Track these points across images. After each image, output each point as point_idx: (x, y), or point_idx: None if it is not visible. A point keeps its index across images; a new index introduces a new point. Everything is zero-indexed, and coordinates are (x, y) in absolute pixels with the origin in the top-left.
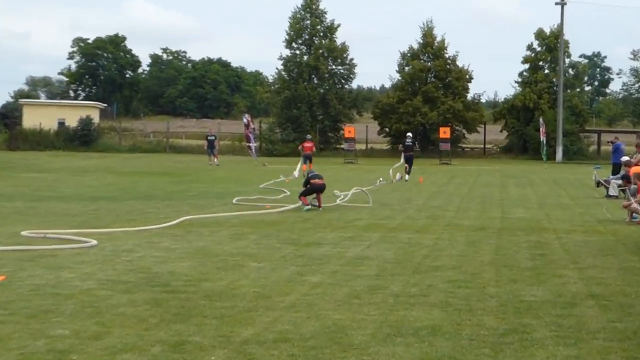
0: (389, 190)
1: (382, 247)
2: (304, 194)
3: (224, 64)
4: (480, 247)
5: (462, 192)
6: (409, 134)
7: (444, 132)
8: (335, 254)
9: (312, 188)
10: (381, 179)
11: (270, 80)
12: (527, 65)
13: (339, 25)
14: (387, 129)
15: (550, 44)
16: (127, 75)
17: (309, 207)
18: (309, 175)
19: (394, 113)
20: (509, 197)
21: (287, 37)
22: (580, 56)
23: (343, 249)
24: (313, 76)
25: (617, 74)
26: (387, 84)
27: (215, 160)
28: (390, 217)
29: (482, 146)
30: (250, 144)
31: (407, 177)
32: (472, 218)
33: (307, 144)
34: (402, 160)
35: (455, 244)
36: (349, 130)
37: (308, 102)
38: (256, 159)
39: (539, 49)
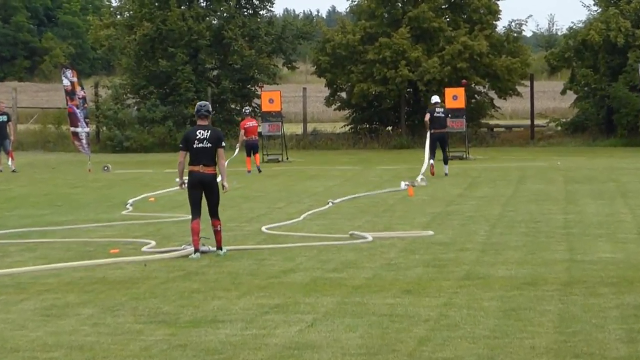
0: (352, 211)
1: (340, 325)
2: (192, 212)
3: None
4: (529, 319)
5: (492, 212)
6: (436, 98)
7: (455, 98)
8: (248, 341)
9: (191, 183)
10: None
11: (115, 4)
12: None
13: None
14: (343, 94)
15: None
16: None
17: (200, 248)
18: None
19: (356, 62)
20: (583, 220)
21: None
22: None
23: (264, 331)
24: None
25: None
26: (341, 7)
27: (10, 162)
28: (353, 264)
29: (528, 123)
30: (78, 129)
31: (445, 169)
32: (511, 263)
33: (251, 123)
34: (427, 148)
35: (480, 314)
36: (270, 98)
37: (189, 44)
38: (89, 157)
39: None
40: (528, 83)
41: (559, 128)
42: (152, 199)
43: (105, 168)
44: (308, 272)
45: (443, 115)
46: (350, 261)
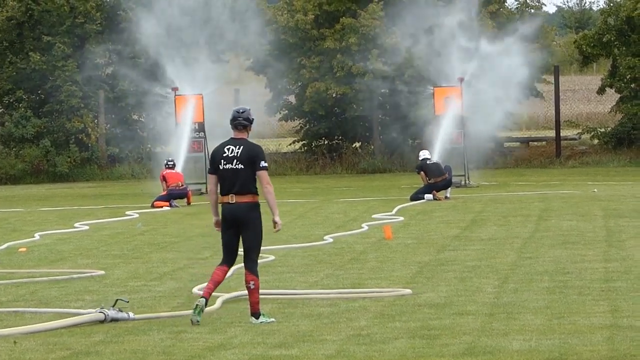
0: (306, 262)
1: None
2: (223, 255)
3: None
4: None
5: (503, 261)
6: (425, 153)
7: (447, 99)
8: None
9: (222, 220)
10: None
11: None
12: None
13: None
14: (291, 98)
15: None
16: None
17: (109, 312)
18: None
19: (309, 53)
20: (631, 270)
21: None
22: None
23: None
24: None
25: None
26: None
27: None
28: (309, 336)
29: (553, 135)
30: None
31: (447, 192)
32: (530, 331)
33: (172, 171)
34: (419, 193)
35: None
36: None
37: (71, 31)
38: None
39: None
40: (551, 79)
41: (596, 141)
42: (23, 248)
43: None
44: (245, 348)
45: (438, 162)
46: (304, 332)
